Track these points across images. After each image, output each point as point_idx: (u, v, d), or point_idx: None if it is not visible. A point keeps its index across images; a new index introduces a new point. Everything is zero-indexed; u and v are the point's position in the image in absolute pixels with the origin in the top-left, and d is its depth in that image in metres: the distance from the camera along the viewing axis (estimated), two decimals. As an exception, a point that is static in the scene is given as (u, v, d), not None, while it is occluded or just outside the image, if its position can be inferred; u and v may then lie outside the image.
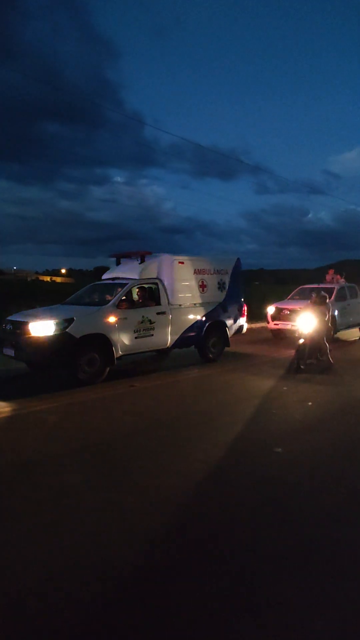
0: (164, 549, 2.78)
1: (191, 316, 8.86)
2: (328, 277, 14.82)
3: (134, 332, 7.76)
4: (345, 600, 2.31)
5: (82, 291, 9.20)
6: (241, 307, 10.16)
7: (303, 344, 8.45)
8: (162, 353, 9.06)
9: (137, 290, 8.44)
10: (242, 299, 10.28)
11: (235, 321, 9.92)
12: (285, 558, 2.67)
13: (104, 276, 9.30)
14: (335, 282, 13.91)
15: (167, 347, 8.52)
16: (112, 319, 7.45)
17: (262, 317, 13.94)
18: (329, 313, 8.92)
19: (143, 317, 7.92)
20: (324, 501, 3.38)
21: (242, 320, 10.22)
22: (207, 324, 9.04)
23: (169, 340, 8.42)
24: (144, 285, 8.39)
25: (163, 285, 8.42)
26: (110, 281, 8.77)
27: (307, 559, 2.66)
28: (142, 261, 8.53)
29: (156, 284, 8.39)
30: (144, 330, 7.91)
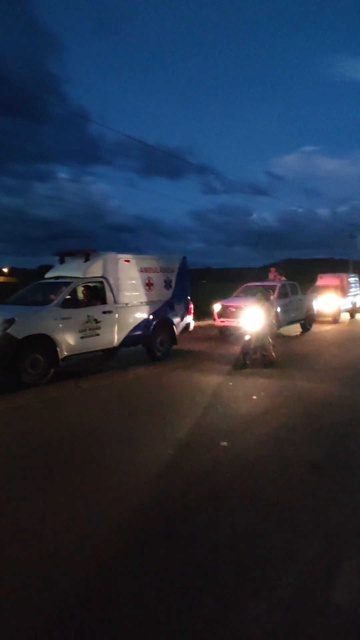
0: (114, 546, 2.76)
1: (138, 315, 8.82)
2: (270, 275, 15.38)
3: (80, 332, 7.60)
4: (283, 585, 2.41)
5: (24, 290, 8.86)
6: (188, 305, 10.27)
7: (248, 340, 8.69)
8: (109, 353, 8.94)
9: (82, 289, 8.26)
10: (189, 297, 10.39)
11: (182, 319, 10.01)
12: (227, 547, 2.75)
13: (47, 275, 9.03)
14: (277, 280, 14.45)
15: (114, 347, 8.42)
16: (55, 319, 7.25)
17: (209, 314, 14.18)
18: (273, 310, 9.25)
19: (88, 316, 7.78)
20: (267, 491, 3.50)
21: (189, 318, 10.33)
22: (154, 323, 9.05)
23: (116, 339, 8.33)
24: (89, 284, 8.23)
25: (109, 283, 8.31)
26: (54, 280, 8.53)
27: (250, 547, 2.75)
28: (87, 259, 8.36)
29: (102, 282, 8.26)
30: (89, 329, 7.77)
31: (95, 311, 7.92)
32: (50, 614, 2.20)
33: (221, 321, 12.60)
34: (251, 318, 8.85)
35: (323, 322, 16.35)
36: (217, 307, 12.80)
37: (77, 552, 2.70)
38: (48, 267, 9.52)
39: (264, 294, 9.19)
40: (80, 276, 8.11)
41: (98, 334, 7.91)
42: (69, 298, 7.65)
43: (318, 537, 2.85)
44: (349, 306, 18.56)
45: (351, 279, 19.45)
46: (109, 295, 8.25)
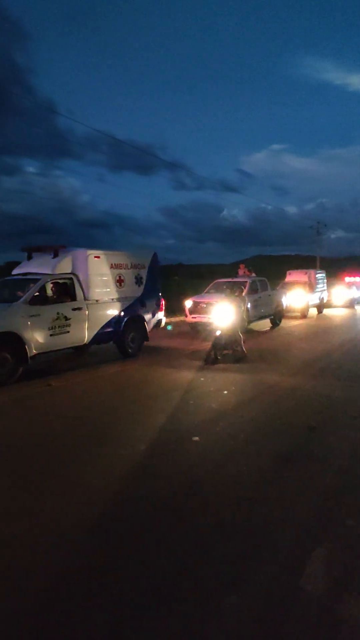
0: (86, 545, 2.73)
1: (109, 311, 8.73)
2: (240, 272, 15.55)
3: (49, 329, 7.45)
4: (260, 577, 2.45)
5: (-10, 287, 8.60)
6: (159, 301, 10.25)
7: (219, 335, 8.77)
8: (80, 350, 8.82)
9: (51, 285, 8.09)
10: (160, 293, 10.37)
11: (153, 315, 9.98)
12: (200, 542, 2.76)
13: (14, 271, 8.78)
14: (247, 276, 14.63)
15: (85, 344, 8.31)
16: (23, 316, 7.07)
17: (181, 310, 14.20)
18: (243, 305, 9.36)
19: (58, 313, 7.63)
20: (238, 485, 3.55)
21: (161, 315, 10.32)
22: (125, 319, 8.98)
23: (87, 336, 8.22)
24: (58, 280, 8.07)
25: (78, 280, 8.17)
26: (22, 276, 8.30)
27: (224, 540, 2.78)
28: (56, 255, 8.20)
29: (71, 279, 8.12)
30: (59, 327, 7.63)
31: (64, 308, 7.78)
32: (18, 621, 2.15)
33: (192, 317, 12.65)
34: (222, 314, 8.93)
35: (292, 318, 16.71)
36: (188, 303, 12.84)
37: (47, 555, 2.65)
38: (15, 264, 9.27)
39: (235, 290, 9.29)
40: (49, 272, 7.94)
41: (68, 331, 7.78)
42: (37, 295, 7.48)
43: (289, 528, 2.91)
44: (317, 302, 19.05)
45: (318, 275, 19.96)
46: (78, 291, 8.12)
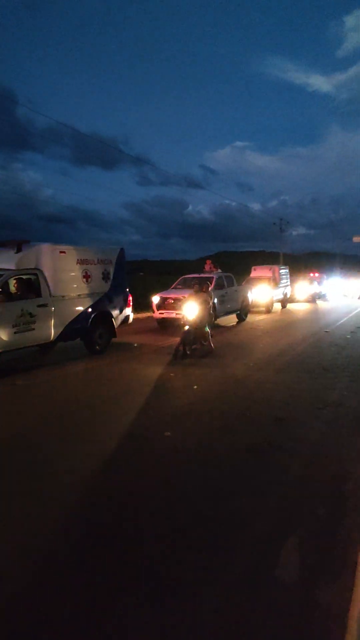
0: (58, 546, 2.67)
1: (75, 307, 8.56)
2: (207, 268, 15.67)
3: (13, 326, 7.21)
4: (234, 568, 2.49)
5: None
6: (126, 297, 10.16)
7: (187, 330, 8.80)
8: (46, 347, 8.61)
9: (14, 281, 7.84)
10: (127, 289, 10.27)
11: (121, 311, 9.88)
12: (174, 537, 2.77)
13: (-25, 267, 8.43)
14: (214, 272, 14.76)
15: (51, 341, 8.11)
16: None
17: (148, 306, 14.15)
18: (210, 301, 9.44)
19: (22, 310, 7.40)
20: (210, 479, 3.58)
21: (128, 311, 10.23)
22: (92, 315, 8.84)
23: (53, 333, 8.02)
24: (22, 276, 7.82)
25: (44, 275, 7.96)
26: (-18, 272, 7.99)
27: (196, 534, 2.80)
28: (19, 250, 7.93)
29: (36, 274, 7.89)
30: (24, 324, 7.40)
31: (29, 305, 7.56)
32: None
33: (160, 313, 12.63)
34: (190, 309, 8.97)
35: (257, 312, 17.01)
36: (155, 299, 12.81)
37: (16, 562, 2.58)
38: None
39: (202, 285, 9.36)
40: (13, 268, 7.68)
41: (33, 329, 7.57)
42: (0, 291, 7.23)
43: (261, 519, 2.97)
44: (281, 297, 19.49)
45: (282, 271, 20.41)
46: (44, 287, 7.91)
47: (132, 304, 10.53)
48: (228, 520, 2.95)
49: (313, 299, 23.13)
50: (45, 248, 8.16)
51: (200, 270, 15.58)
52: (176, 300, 12.13)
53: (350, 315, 17.00)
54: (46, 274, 7.99)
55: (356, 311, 18.54)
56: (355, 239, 18.55)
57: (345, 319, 15.66)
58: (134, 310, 10.89)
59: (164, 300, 12.63)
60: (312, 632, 2.03)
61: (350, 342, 10.47)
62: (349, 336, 11.34)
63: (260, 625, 2.07)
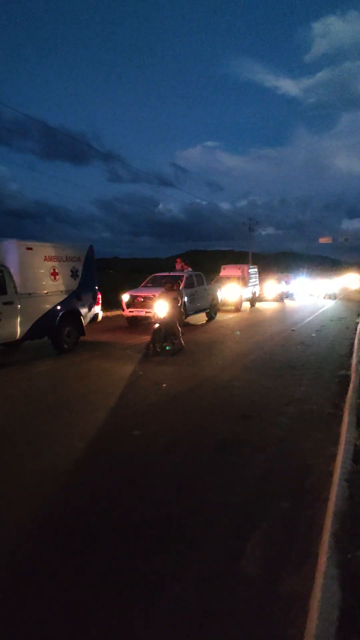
0: (21, 547, 2.63)
1: (43, 305, 8.41)
2: (177, 266, 15.71)
3: (-23, 324, 7.01)
4: (200, 562, 2.52)
5: None
6: (95, 295, 10.06)
7: (158, 328, 8.81)
8: (12, 346, 8.40)
9: (-22, 278, 7.62)
10: (96, 287, 10.17)
11: (90, 309, 9.78)
12: (141, 534, 2.78)
13: None
14: (184, 270, 14.82)
15: (17, 340, 7.93)
16: None
17: (117, 304, 14.05)
18: (181, 299, 9.48)
19: (-13, 307, 7.20)
20: (177, 475, 3.61)
21: (97, 309, 10.14)
22: (60, 313, 8.71)
23: (19, 331, 7.85)
24: (-14, 272, 7.61)
25: (9, 272, 7.76)
26: None
27: (162, 530, 2.82)
28: (-17, 246, 7.72)
29: (1, 271, 7.69)
30: (-12, 322, 7.20)
31: (-6, 302, 7.36)
32: None
33: (130, 311, 12.58)
34: (160, 307, 8.98)
35: (226, 311, 17.22)
36: (125, 297, 12.74)
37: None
38: None
39: (172, 283, 9.39)
40: (-24, 264, 7.46)
41: (-2, 327, 7.38)
42: None
43: (227, 513, 3.02)
44: (250, 295, 19.80)
45: (251, 270, 20.74)
46: (9, 284, 7.71)
47: (102, 302, 10.44)
48: (194, 516, 2.98)
49: (281, 298, 23.64)
50: (11, 244, 7.97)
51: (171, 268, 15.61)
52: (146, 298, 12.11)
53: (316, 314, 17.48)
54: (12, 270, 7.80)
55: (321, 310, 19.09)
56: (321, 240, 19.08)
57: (311, 317, 16.08)
58: (104, 308, 10.79)
59: (134, 298, 12.58)
60: (275, 620, 2.09)
61: (315, 340, 10.76)
62: (314, 334, 11.66)
63: (226, 614, 2.12)
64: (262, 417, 5.04)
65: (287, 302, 23.48)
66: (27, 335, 8.05)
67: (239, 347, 9.79)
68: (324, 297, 27.10)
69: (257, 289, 21.05)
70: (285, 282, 25.91)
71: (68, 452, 4.04)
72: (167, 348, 8.83)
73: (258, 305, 20.77)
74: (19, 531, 2.82)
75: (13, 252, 7.92)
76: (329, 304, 23.15)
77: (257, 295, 20.97)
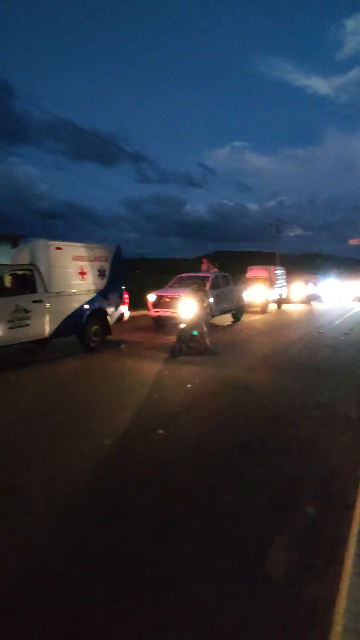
0: (51, 545, 2.69)
1: (71, 304, 8.56)
2: (204, 267, 15.68)
3: (8, 322, 7.20)
4: (224, 564, 2.51)
5: None
6: (122, 294, 10.16)
7: (184, 328, 8.84)
8: (40, 344, 8.59)
9: (9, 277, 7.82)
10: (123, 287, 10.28)
11: (116, 309, 9.89)
12: (164, 533, 2.80)
13: (-30, 262, 8.41)
14: (210, 271, 14.78)
15: (46, 337, 8.11)
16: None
17: (143, 304, 14.15)
18: (206, 299, 9.47)
19: (17, 305, 7.39)
20: (201, 476, 3.61)
21: (124, 308, 10.24)
22: (87, 312, 8.84)
23: (47, 329, 8.02)
24: (17, 271, 7.81)
25: (39, 271, 7.94)
26: (-22, 267, 7.97)
27: (188, 531, 2.83)
28: (15, 245, 7.92)
29: (31, 270, 7.88)
30: (18, 320, 7.40)
31: (24, 300, 7.55)
32: None
33: (156, 311, 12.64)
34: (186, 307, 9.00)
35: (252, 312, 17.06)
36: (151, 297, 12.81)
37: (4, 560, 2.60)
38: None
39: (199, 284, 9.40)
40: (8, 263, 7.67)
41: (28, 324, 7.56)
42: (-5, 286, 7.22)
43: (252, 517, 3.00)
44: (276, 297, 19.55)
45: (278, 272, 20.46)
46: (39, 283, 7.89)
47: (128, 302, 10.54)
48: (218, 518, 2.98)
49: (308, 300, 23.19)
50: (41, 244, 8.16)
51: (197, 268, 15.60)
52: (172, 298, 12.13)
53: (345, 317, 17.09)
54: (42, 269, 7.98)
55: (350, 313, 18.64)
56: (351, 242, 18.64)
57: (339, 320, 15.73)
58: (130, 308, 10.89)
59: (160, 298, 12.63)
60: (299, 626, 2.06)
61: (343, 343, 10.53)
62: (342, 338, 11.41)
63: (248, 619, 2.10)
64: (287, 420, 4.98)
65: (315, 305, 23.05)
66: (55, 333, 8.21)
67: (265, 348, 9.69)
68: (353, 300, 26.44)
69: (284, 291, 20.75)
70: (313, 284, 25.43)
71: (93, 449, 4.10)
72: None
73: (285, 307, 20.48)
74: (42, 527, 2.88)
75: (43, 252, 8.10)
76: (359, 306, 22.59)
77: (284, 297, 20.67)
